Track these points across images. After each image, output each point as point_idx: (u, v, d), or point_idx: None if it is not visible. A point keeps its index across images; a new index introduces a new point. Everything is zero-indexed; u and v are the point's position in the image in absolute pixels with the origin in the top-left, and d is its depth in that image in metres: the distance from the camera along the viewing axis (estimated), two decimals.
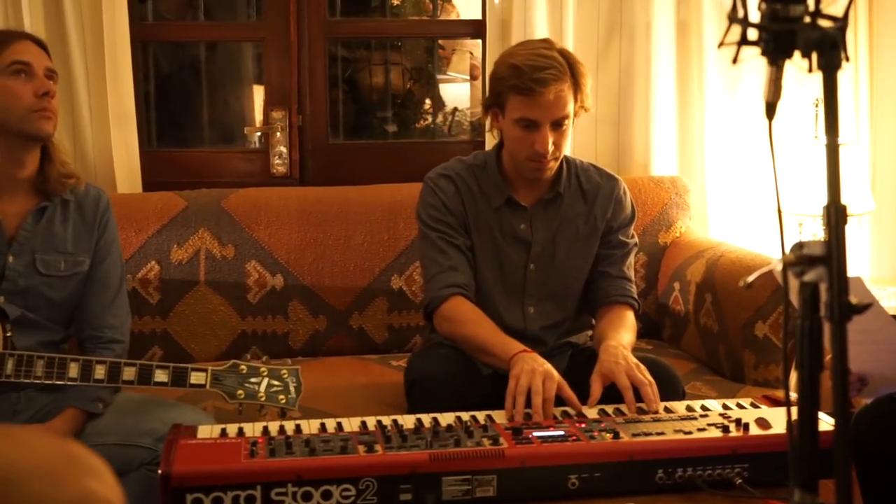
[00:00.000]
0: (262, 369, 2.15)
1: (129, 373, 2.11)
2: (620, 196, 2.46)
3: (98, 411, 2.20)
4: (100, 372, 2.10)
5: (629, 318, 2.37)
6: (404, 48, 4.32)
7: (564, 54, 2.27)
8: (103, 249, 2.35)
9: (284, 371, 2.16)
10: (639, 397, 2.03)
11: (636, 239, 2.50)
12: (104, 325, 2.33)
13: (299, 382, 2.15)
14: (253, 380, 2.14)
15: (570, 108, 2.25)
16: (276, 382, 2.14)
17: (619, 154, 3.42)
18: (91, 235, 2.34)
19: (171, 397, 2.30)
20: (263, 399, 2.14)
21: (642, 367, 2.08)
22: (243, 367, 2.15)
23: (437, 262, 2.35)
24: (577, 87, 2.25)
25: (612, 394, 2.05)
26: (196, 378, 2.13)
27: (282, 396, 2.14)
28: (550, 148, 2.25)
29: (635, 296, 2.43)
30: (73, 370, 2.10)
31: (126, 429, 2.15)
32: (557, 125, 2.25)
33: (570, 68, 2.24)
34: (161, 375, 2.12)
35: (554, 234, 2.41)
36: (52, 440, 0.84)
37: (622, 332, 2.27)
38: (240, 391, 2.13)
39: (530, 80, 2.19)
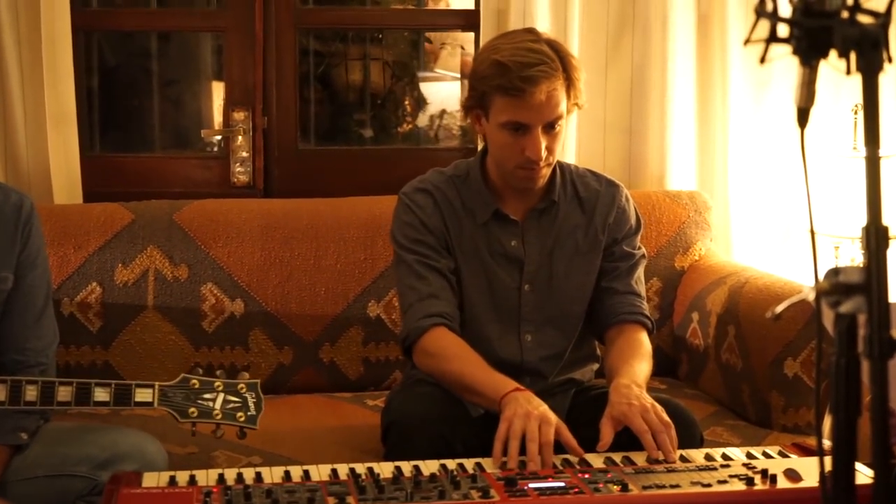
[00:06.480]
0: (217, 384, 2.14)
1: (64, 393, 2.08)
2: (623, 203, 2.47)
3: (21, 442, 2.18)
4: (31, 393, 2.07)
5: (642, 342, 2.38)
6: (386, 41, 4.33)
7: (553, 46, 2.27)
8: (26, 263, 2.33)
9: (242, 385, 2.15)
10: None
11: (644, 250, 2.50)
12: (27, 348, 2.31)
13: (259, 397, 2.15)
14: (207, 396, 2.13)
15: (563, 107, 2.26)
16: (232, 398, 2.13)
17: (631, 165, 3.44)
18: (13, 247, 2.31)
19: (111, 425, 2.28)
20: (219, 417, 2.12)
21: (658, 407, 2.08)
22: (195, 381, 2.14)
23: (416, 289, 2.35)
24: (569, 82, 2.26)
25: (622, 441, 2.05)
26: (141, 395, 2.11)
27: (240, 413, 2.13)
28: (543, 153, 2.26)
29: (647, 313, 2.44)
30: (1, 393, 2.08)
31: (58, 458, 2.14)
32: (550, 127, 2.26)
33: (561, 62, 2.24)
34: (101, 394, 2.09)
35: (550, 249, 2.42)
36: None
37: (635, 365, 2.27)
38: (192, 409, 2.11)
39: (518, 78, 2.20)
